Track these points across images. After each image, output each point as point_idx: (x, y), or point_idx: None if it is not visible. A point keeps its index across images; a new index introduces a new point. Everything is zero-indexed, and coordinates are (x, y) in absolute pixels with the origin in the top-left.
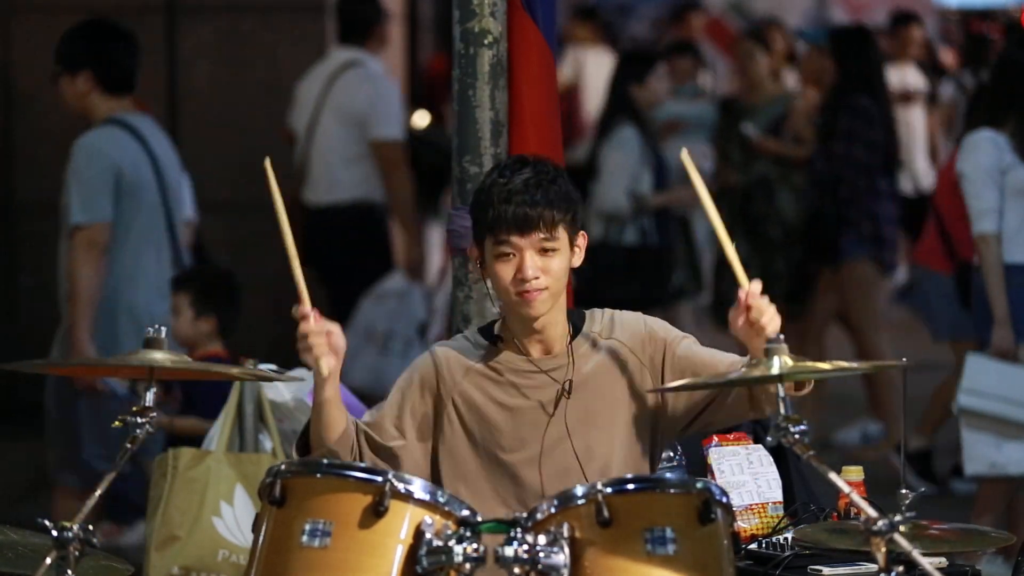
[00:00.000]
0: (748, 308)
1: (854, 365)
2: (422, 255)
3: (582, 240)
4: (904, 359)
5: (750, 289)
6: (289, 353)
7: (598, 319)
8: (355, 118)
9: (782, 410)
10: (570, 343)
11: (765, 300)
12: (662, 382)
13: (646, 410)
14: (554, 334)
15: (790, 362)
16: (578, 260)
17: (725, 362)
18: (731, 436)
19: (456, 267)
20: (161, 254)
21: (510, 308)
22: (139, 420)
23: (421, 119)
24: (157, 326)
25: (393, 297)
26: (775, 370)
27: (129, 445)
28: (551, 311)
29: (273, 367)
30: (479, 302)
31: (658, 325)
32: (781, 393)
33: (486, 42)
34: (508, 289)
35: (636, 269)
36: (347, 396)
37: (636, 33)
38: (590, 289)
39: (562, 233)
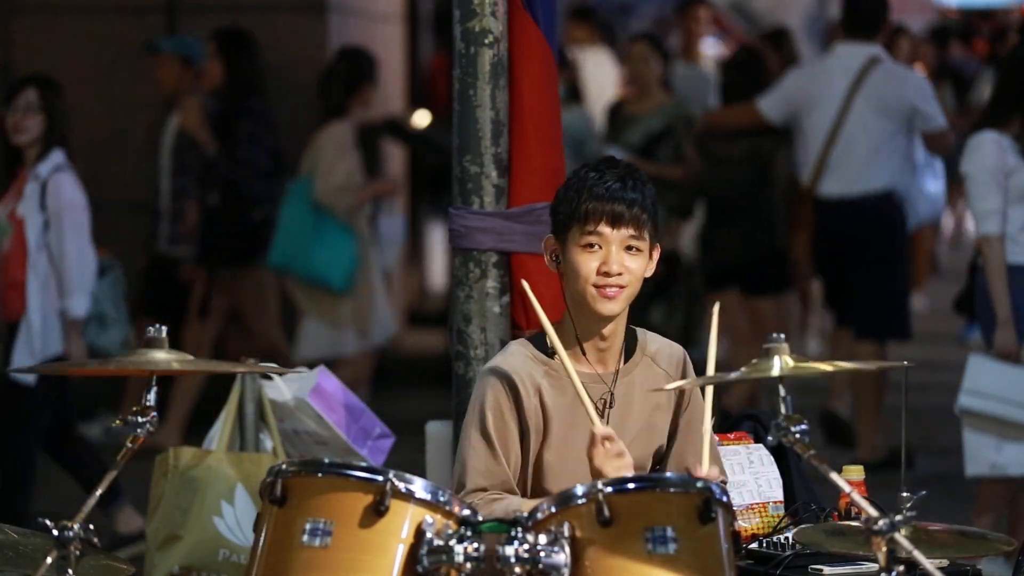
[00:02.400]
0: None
1: (854, 365)
2: None
3: (656, 252)
4: (906, 360)
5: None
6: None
7: (651, 341)
8: (900, 112)
9: (783, 410)
10: (623, 359)
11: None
12: (676, 419)
13: (663, 436)
14: (616, 345)
15: (791, 362)
16: (650, 270)
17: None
18: (731, 436)
19: (456, 267)
20: None
21: (582, 305)
22: (140, 419)
23: (421, 119)
24: (158, 325)
25: None
26: (775, 371)
27: (130, 444)
28: (620, 320)
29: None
30: (479, 302)
31: (692, 370)
32: (782, 393)
33: (487, 42)
34: (587, 282)
35: None
36: (347, 396)
37: (637, 33)
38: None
39: (647, 235)
